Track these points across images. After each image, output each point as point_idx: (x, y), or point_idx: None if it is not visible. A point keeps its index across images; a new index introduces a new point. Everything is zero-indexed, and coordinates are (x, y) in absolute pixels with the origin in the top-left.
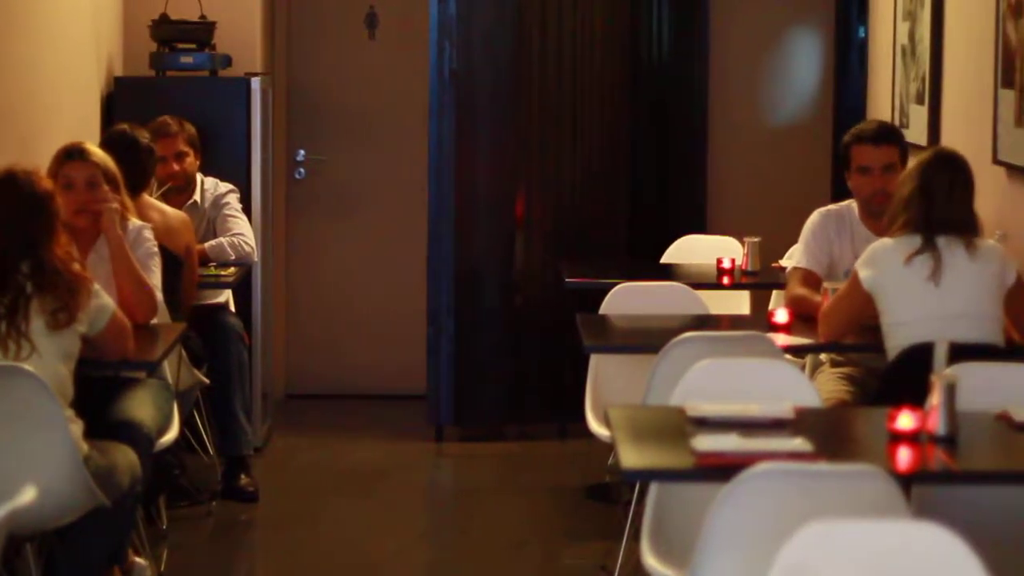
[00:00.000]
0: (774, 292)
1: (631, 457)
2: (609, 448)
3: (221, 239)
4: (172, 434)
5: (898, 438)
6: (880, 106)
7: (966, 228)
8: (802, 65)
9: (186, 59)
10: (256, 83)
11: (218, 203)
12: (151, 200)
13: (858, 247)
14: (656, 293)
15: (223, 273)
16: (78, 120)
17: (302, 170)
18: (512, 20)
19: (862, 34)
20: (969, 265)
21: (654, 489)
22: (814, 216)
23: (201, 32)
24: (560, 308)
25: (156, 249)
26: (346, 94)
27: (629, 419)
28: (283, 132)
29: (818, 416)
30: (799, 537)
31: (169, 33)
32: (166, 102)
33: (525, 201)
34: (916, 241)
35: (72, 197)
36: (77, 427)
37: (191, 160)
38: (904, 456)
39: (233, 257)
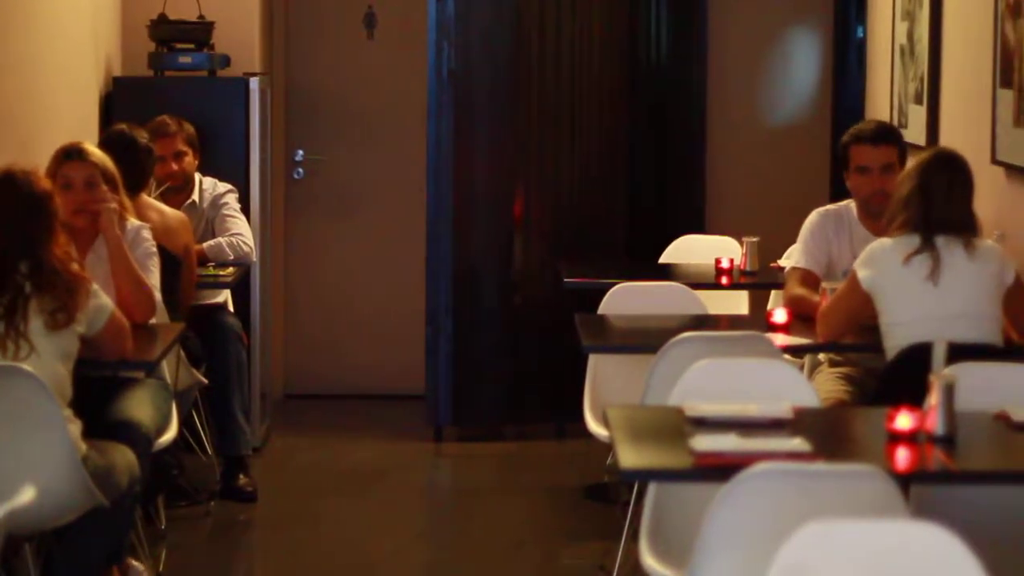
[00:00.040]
0: (773, 292)
1: (629, 457)
2: (608, 448)
3: (220, 239)
4: (170, 434)
5: (897, 438)
6: (879, 106)
7: (965, 228)
8: (800, 65)
9: (184, 59)
10: (254, 83)
11: (217, 203)
12: (150, 200)
13: (856, 247)
14: (655, 293)
15: (222, 273)
16: (77, 120)
17: (300, 170)
18: (510, 20)
19: (860, 34)
20: (968, 265)
21: (652, 489)
22: (812, 216)
23: (199, 32)
24: (559, 308)
25: (154, 249)
26: (345, 94)
27: (628, 419)
28: (281, 132)
29: (817, 416)
30: (798, 537)
31: (167, 33)
32: (164, 102)
33: (524, 201)
34: (915, 241)
35: (71, 197)
36: (75, 427)
37: (190, 160)
38: (902, 456)
39: (232, 257)
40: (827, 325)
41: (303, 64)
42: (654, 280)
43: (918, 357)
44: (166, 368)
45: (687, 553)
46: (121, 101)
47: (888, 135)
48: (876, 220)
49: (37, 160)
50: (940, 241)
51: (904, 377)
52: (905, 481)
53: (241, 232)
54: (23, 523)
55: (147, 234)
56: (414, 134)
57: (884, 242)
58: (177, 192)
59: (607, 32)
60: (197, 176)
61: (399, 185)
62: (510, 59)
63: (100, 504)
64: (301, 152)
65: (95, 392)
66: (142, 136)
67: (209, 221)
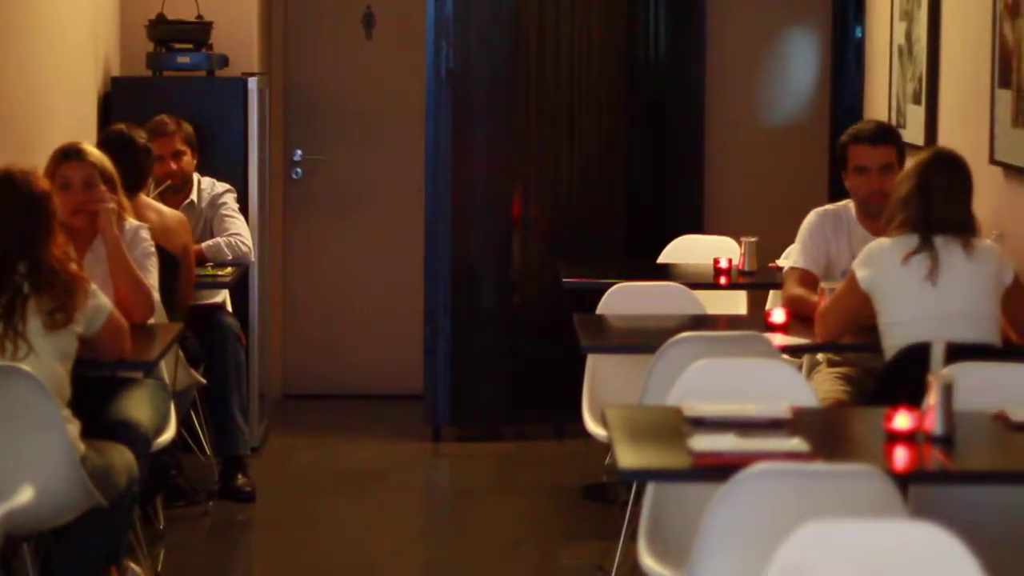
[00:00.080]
0: (771, 292)
1: (628, 457)
2: (606, 448)
3: (218, 239)
4: (169, 434)
5: (895, 438)
6: (877, 106)
7: (964, 228)
8: (799, 65)
9: (183, 59)
10: (253, 83)
11: (215, 203)
12: (148, 200)
13: (855, 247)
14: (653, 293)
15: (220, 273)
16: (75, 120)
17: (299, 170)
18: (509, 19)
19: (859, 34)
20: (966, 265)
21: (651, 489)
22: (811, 216)
23: (198, 32)
24: (557, 308)
25: (153, 249)
26: (343, 94)
27: (626, 419)
28: (280, 132)
29: (815, 416)
30: (796, 537)
31: (166, 33)
32: (163, 102)
33: (522, 201)
34: (913, 241)
35: (69, 197)
36: (74, 427)
37: (188, 159)
38: (901, 456)
39: (230, 257)
40: (825, 325)
41: (301, 64)
42: (652, 280)
43: (917, 357)
44: (164, 368)
45: (685, 553)
46: (119, 101)
47: (887, 135)
48: (875, 220)
49: (36, 160)
50: (939, 241)
51: (903, 377)
52: (903, 481)
53: (239, 232)
54: (22, 523)
55: (145, 234)
56: (412, 134)
57: (883, 242)
58: (175, 192)
59: (606, 32)
60: (195, 176)
61: (397, 185)
62: (508, 59)
63: (98, 504)
64: (299, 152)
65: (93, 392)
66: (140, 136)
67: (207, 221)
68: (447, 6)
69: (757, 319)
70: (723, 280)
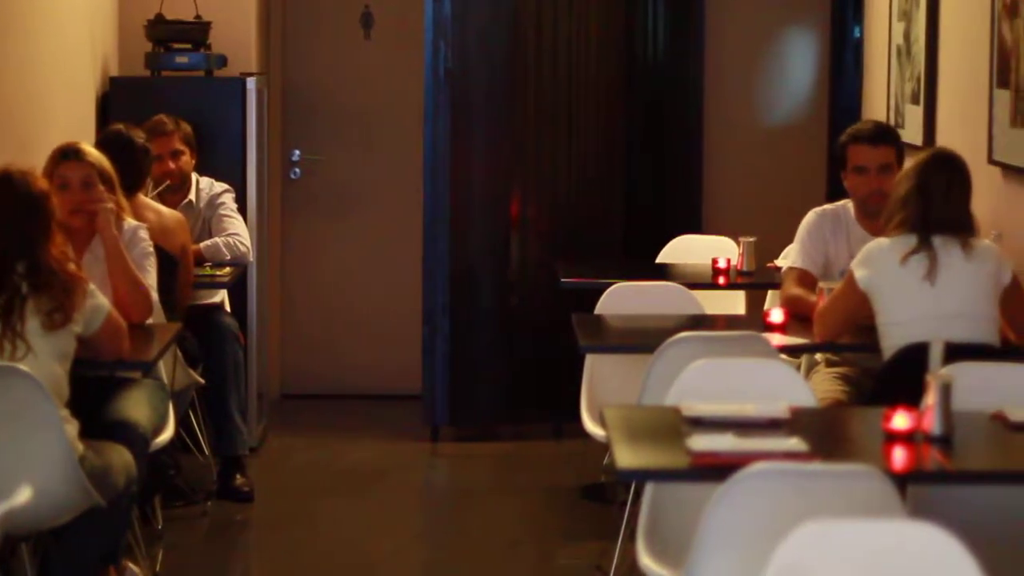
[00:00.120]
0: (769, 292)
1: (626, 457)
2: (604, 448)
3: (216, 239)
4: (167, 434)
5: (893, 438)
6: (875, 106)
7: (962, 228)
8: (797, 65)
9: (181, 59)
10: (251, 83)
11: (213, 203)
12: (147, 200)
13: (854, 247)
14: (651, 293)
15: (218, 273)
16: (73, 120)
17: (297, 170)
18: (507, 19)
19: (857, 34)
20: (965, 265)
21: (649, 489)
22: (810, 216)
23: (196, 32)
24: (555, 308)
25: (151, 249)
26: (341, 94)
27: (624, 419)
28: (278, 132)
29: (813, 416)
30: (794, 537)
31: (164, 33)
32: (161, 102)
33: (520, 201)
34: (912, 241)
35: (68, 197)
36: (72, 427)
37: (187, 159)
38: (899, 456)
39: (228, 257)
40: (824, 325)
41: (300, 64)
42: (651, 280)
43: (915, 357)
44: (163, 368)
45: (684, 553)
46: (118, 101)
47: (886, 135)
48: (873, 220)
49: (34, 160)
50: (937, 241)
51: (901, 377)
52: (902, 481)
53: (238, 232)
54: (20, 523)
55: (144, 234)
56: (411, 134)
57: (881, 242)
58: (174, 191)
59: (604, 31)
60: (194, 176)
61: (396, 185)
62: (507, 59)
63: (97, 504)
64: (298, 152)
65: (92, 392)
66: (139, 136)
67: (206, 221)
68: (445, 6)
69: (755, 319)
70: (721, 280)
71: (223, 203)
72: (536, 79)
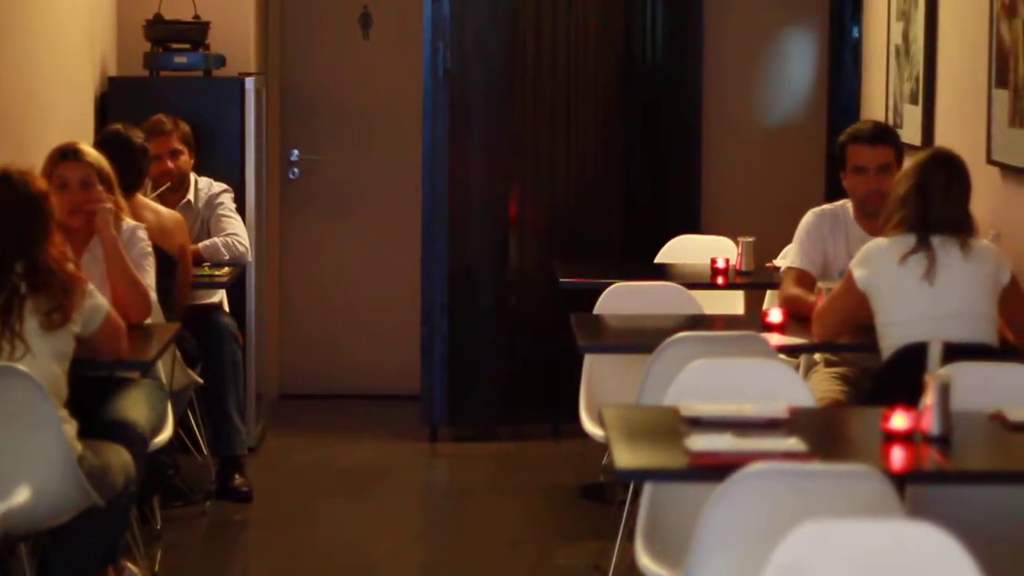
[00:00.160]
0: (768, 292)
1: (625, 457)
2: (603, 448)
3: (215, 239)
4: (166, 434)
5: (892, 438)
6: (874, 106)
7: (961, 228)
8: (796, 65)
9: (180, 59)
10: (250, 83)
11: (212, 203)
12: (145, 200)
13: (852, 247)
14: (650, 293)
15: (217, 273)
16: (72, 120)
17: (296, 170)
18: (506, 20)
19: (856, 34)
20: (964, 265)
21: (648, 489)
22: (808, 216)
23: (195, 32)
24: (554, 308)
25: (150, 249)
26: (340, 94)
27: (623, 419)
28: (277, 132)
29: (812, 416)
30: (793, 537)
31: (163, 33)
32: (160, 102)
33: (519, 201)
34: (910, 240)
35: (66, 197)
36: (71, 427)
37: (185, 158)
38: (898, 456)
39: (227, 257)
40: (823, 325)
41: (298, 64)
42: (650, 280)
43: (913, 357)
44: (161, 368)
45: (683, 553)
46: (117, 101)
47: (885, 135)
48: (872, 220)
49: (33, 160)
50: (936, 241)
51: (900, 377)
52: (900, 481)
53: (236, 232)
54: (19, 523)
55: (143, 234)
56: (410, 134)
57: (880, 242)
58: (172, 191)
59: (602, 31)
60: (192, 176)
61: (395, 185)
62: (505, 59)
63: (96, 504)
64: (296, 152)
65: (91, 392)
66: (138, 136)
67: (204, 221)
68: (444, 7)
69: (754, 319)
70: (720, 280)
71: (222, 203)
72: (535, 79)
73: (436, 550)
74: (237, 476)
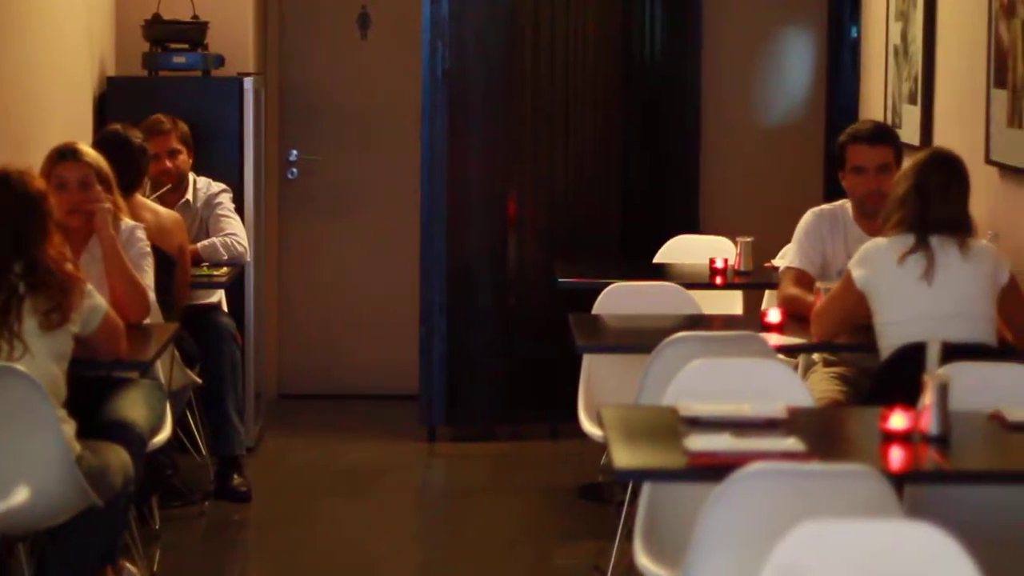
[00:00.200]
0: (767, 292)
1: (624, 457)
2: (602, 448)
3: (214, 239)
4: (165, 434)
5: (891, 438)
6: (873, 106)
7: (960, 228)
8: (795, 65)
9: (179, 59)
10: (249, 83)
11: (211, 203)
12: (144, 200)
13: (851, 247)
14: (649, 293)
15: (216, 273)
16: (71, 120)
17: (295, 170)
18: (505, 20)
19: (854, 34)
20: (962, 265)
21: (647, 489)
22: (807, 216)
23: (194, 32)
24: (553, 308)
25: (149, 249)
26: (339, 94)
27: (622, 419)
28: (275, 132)
29: (811, 416)
30: (792, 537)
31: (162, 33)
32: (159, 102)
33: (518, 201)
34: (909, 240)
35: (65, 197)
36: (70, 427)
37: (184, 158)
38: (897, 456)
39: (226, 257)
40: (821, 325)
41: (297, 64)
42: (648, 280)
43: (912, 357)
44: (160, 368)
45: (681, 553)
46: (115, 101)
47: (885, 135)
48: (872, 220)
49: (31, 160)
50: (934, 241)
51: (898, 377)
52: (899, 481)
53: (235, 232)
54: (17, 523)
55: (141, 234)
56: (408, 134)
57: (878, 242)
58: (171, 191)
59: (601, 30)
60: (191, 175)
61: (393, 185)
62: (504, 59)
63: (94, 504)
64: (295, 152)
65: (90, 392)
66: (136, 136)
67: (203, 221)
68: (443, 6)
69: (753, 319)
70: (719, 280)
71: (220, 203)
72: (533, 79)
73: (434, 550)
74: (236, 476)
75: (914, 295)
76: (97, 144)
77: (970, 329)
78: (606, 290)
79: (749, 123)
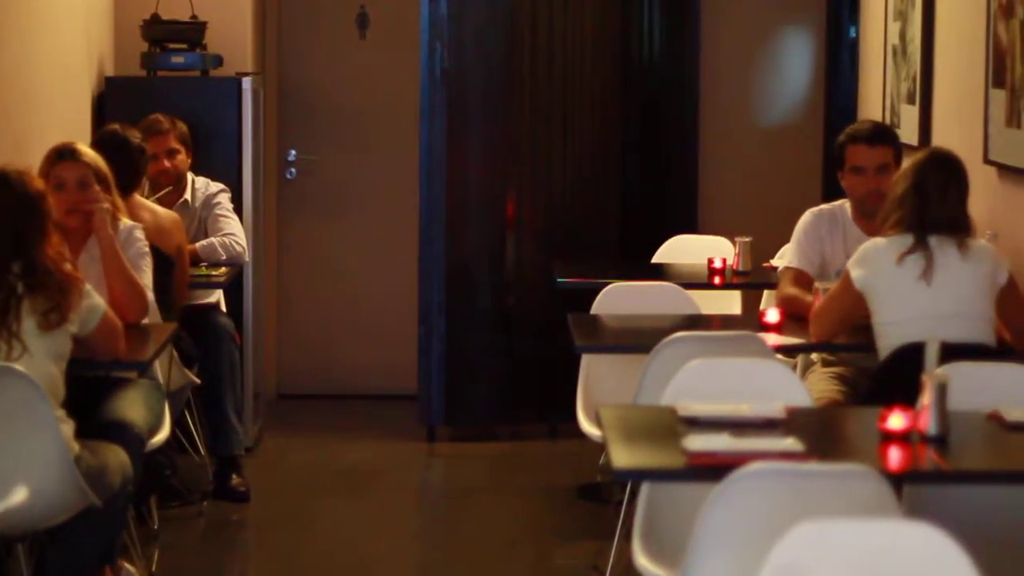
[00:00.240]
0: (765, 292)
1: (622, 457)
2: (600, 448)
3: (212, 239)
4: (163, 434)
5: (889, 438)
6: (871, 106)
7: (959, 228)
8: (793, 65)
9: (177, 59)
10: (247, 83)
11: (209, 203)
12: (142, 200)
13: (850, 247)
14: (647, 293)
15: (214, 273)
16: (69, 120)
17: (293, 170)
18: (503, 20)
19: (853, 34)
20: (961, 265)
21: (645, 489)
22: (806, 216)
23: (192, 32)
24: (551, 308)
25: (147, 249)
26: (337, 94)
27: (620, 419)
28: (274, 132)
29: (809, 416)
30: (790, 537)
31: (160, 33)
32: (157, 102)
33: (516, 201)
34: (908, 240)
35: (63, 197)
36: (68, 427)
37: (182, 158)
38: (895, 456)
39: (224, 257)
40: (820, 325)
41: (296, 64)
42: (647, 280)
43: (911, 357)
44: (159, 368)
45: (680, 553)
46: (114, 101)
47: (884, 135)
48: (871, 220)
49: (30, 160)
50: (933, 241)
51: (897, 377)
52: (898, 481)
53: (234, 232)
54: (16, 523)
55: (140, 234)
56: (407, 134)
57: (877, 242)
58: (170, 191)
59: (600, 31)
60: (190, 175)
61: (392, 185)
62: (503, 59)
63: (93, 504)
64: (294, 152)
65: (88, 392)
66: (135, 136)
67: (202, 221)
68: (441, 6)
69: (751, 319)
70: (717, 280)
71: (219, 203)
72: (532, 79)
73: (433, 550)
74: (234, 476)
75: (913, 295)
76: (95, 144)
77: (969, 329)
78: (605, 290)
79: (748, 123)
